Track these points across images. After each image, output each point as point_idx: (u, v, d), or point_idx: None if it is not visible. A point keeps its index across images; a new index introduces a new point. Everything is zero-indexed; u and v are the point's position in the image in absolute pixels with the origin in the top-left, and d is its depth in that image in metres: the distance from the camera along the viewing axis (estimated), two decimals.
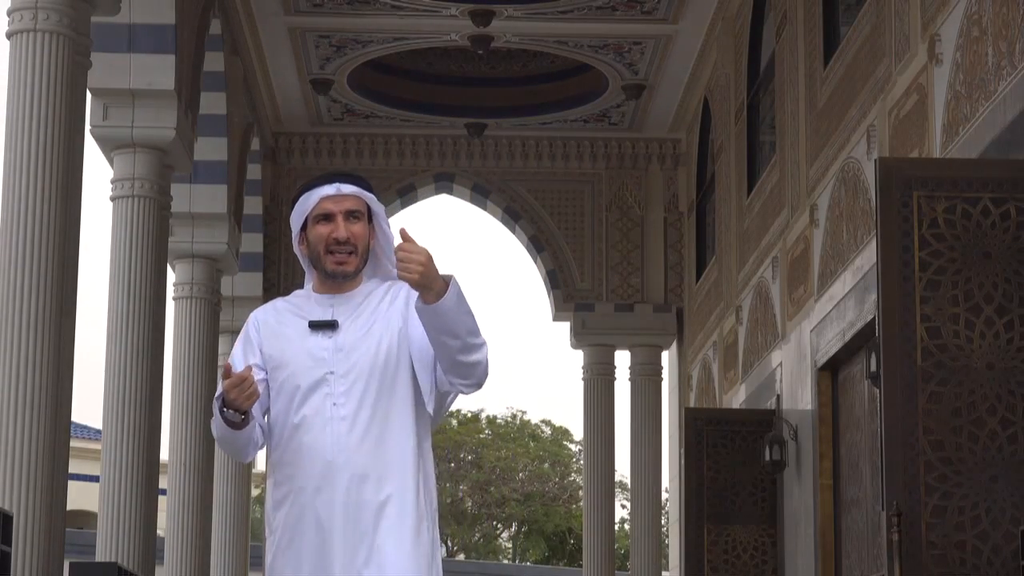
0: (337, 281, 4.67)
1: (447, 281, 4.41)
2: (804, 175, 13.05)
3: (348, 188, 4.66)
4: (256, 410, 4.59)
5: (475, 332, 4.49)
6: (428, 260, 4.38)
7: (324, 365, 4.58)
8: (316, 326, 4.63)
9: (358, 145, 19.71)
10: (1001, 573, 7.74)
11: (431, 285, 4.39)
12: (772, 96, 14.56)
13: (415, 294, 4.58)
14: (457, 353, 4.48)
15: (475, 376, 4.54)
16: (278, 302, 4.78)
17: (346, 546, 4.47)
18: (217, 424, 4.56)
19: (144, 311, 12.52)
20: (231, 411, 4.49)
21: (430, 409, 4.61)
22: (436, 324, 4.44)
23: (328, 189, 4.65)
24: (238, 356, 4.69)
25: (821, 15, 12.70)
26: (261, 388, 4.61)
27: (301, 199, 4.69)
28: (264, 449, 4.74)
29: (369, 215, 4.71)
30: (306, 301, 4.71)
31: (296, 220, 4.70)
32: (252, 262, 19.01)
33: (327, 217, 4.65)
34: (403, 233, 4.43)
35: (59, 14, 10.00)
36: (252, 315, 4.78)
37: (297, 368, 4.60)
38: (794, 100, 13.42)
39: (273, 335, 4.67)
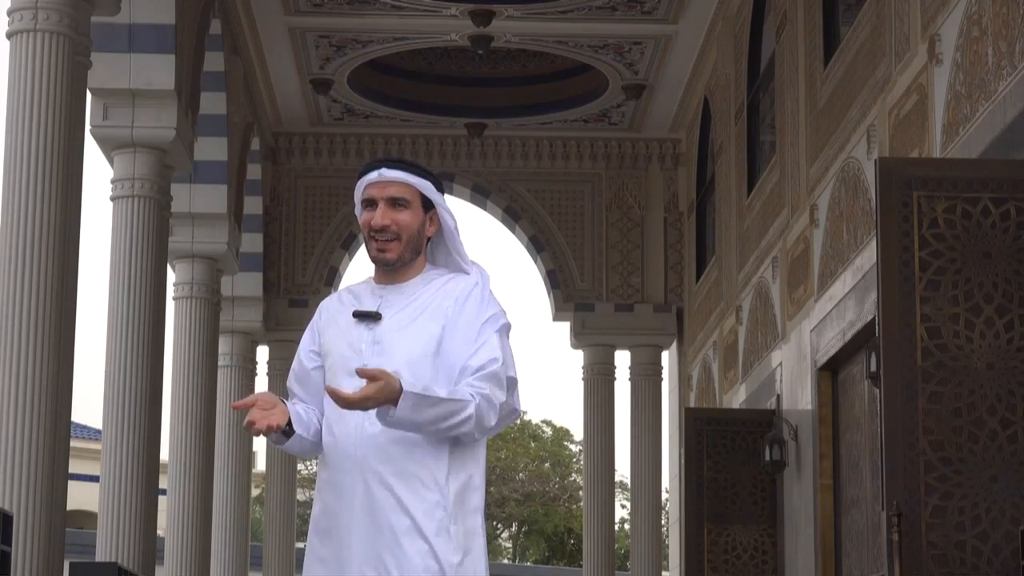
0: (386, 270, 4.58)
1: (401, 400, 4.30)
2: (804, 175, 13.05)
3: (392, 174, 4.54)
4: (312, 414, 4.57)
5: (447, 420, 4.37)
6: (360, 401, 4.28)
7: (360, 357, 4.48)
8: (359, 316, 4.54)
9: (358, 145, 19.71)
10: (1001, 573, 7.74)
11: (366, 405, 4.32)
12: (772, 96, 14.56)
13: (468, 295, 4.52)
14: (439, 433, 4.42)
15: (468, 434, 4.46)
16: (343, 291, 4.70)
17: (365, 543, 4.39)
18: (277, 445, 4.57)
19: (144, 311, 12.51)
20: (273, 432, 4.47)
21: None
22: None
23: (372, 175, 4.56)
24: (303, 345, 4.66)
25: (821, 15, 12.70)
26: (318, 376, 4.59)
27: (357, 184, 4.62)
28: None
29: (429, 203, 4.59)
30: (364, 290, 4.63)
31: (356, 204, 4.64)
32: (252, 262, 19.01)
33: (371, 203, 4.56)
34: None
35: (59, 14, 10.00)
36: (321, 303, 4.73)
37: (337, 358, 4.52)
38: (794, 100, 13.42)
39: (329, 323, 4.61)
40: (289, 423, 4.49)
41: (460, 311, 4.52)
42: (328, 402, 4.48)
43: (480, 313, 4.53)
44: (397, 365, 4.43)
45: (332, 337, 4.58)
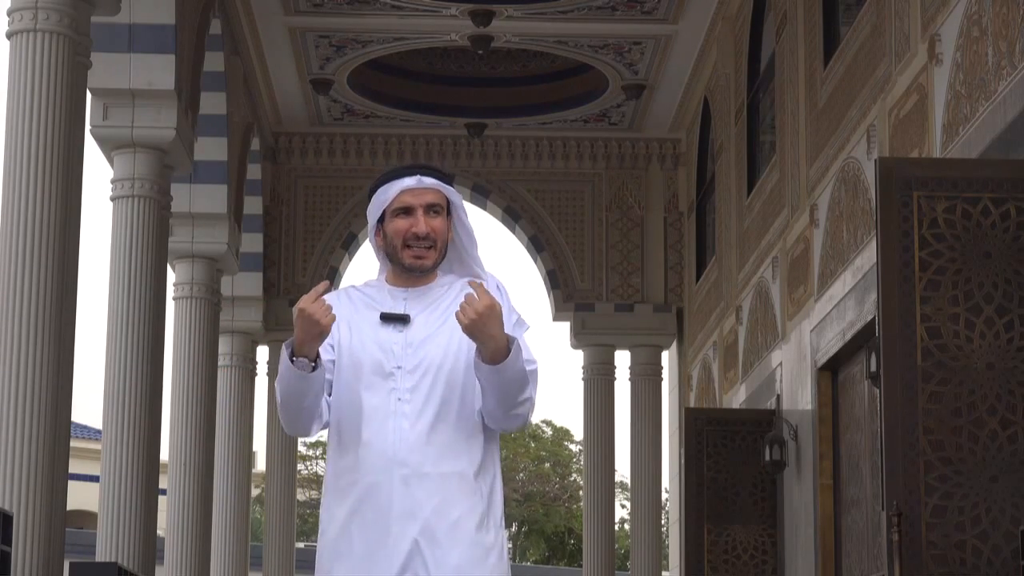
0: (413, 275, 4.57)
1: (510, 344, 4.31)
2: (804, 175, 13.05)
3: (429, 181, 4.54)
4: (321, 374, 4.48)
5: (525, 390, 4.42)
6: (486, 313, 4.27)
7: (392, 359, 4.47)
8: (387, 318, 4.51)
9: (358, 145, 19.71)
10: (1001, 573, 7.74)
11: (484, 341, 4.30)
12: (772, 96, 14.56)
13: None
14: (502, 409, 4.42)
15: (512, 428, 4.49)
16: (350, 290, 4.66)
17: (399, 544, 4.37)
18: (285, 378, 4.40)
19: (144, 311, 12.51)
20: (302, 358, 4.35)
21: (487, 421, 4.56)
22: (489, 382, 4.37)
23: (409, 181, 4.52)
24: None
25: (821, 15, 12.70)
26: (331, 368, 4.51)
27: (380, 191, 4.56)
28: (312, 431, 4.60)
29: (448, 208, 4.60)
30: (379, 292, 4.60)
31: (374, 212, 4.58)
32: (252, 262, 19.01)
33: (407, 211, 4.53)
34: (476, 287, 4.33)
35: (59, 14, 10.00)
36: (324, 298, 4.60)
37: (365, 359, 4.48)
38: (794, 100, 13.42)
39: (344, 320, 4.55)
40: (318, 356, 4.41)
41: None
42: (358, 403, 4.46)
43: (509, 318, 4.54)
44: (431, 365, 4.47)
45: (351, 337, 4.54)
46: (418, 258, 4.53)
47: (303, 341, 4.36)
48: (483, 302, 4.29)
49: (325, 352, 4.51)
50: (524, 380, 4.40)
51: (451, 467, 4.43)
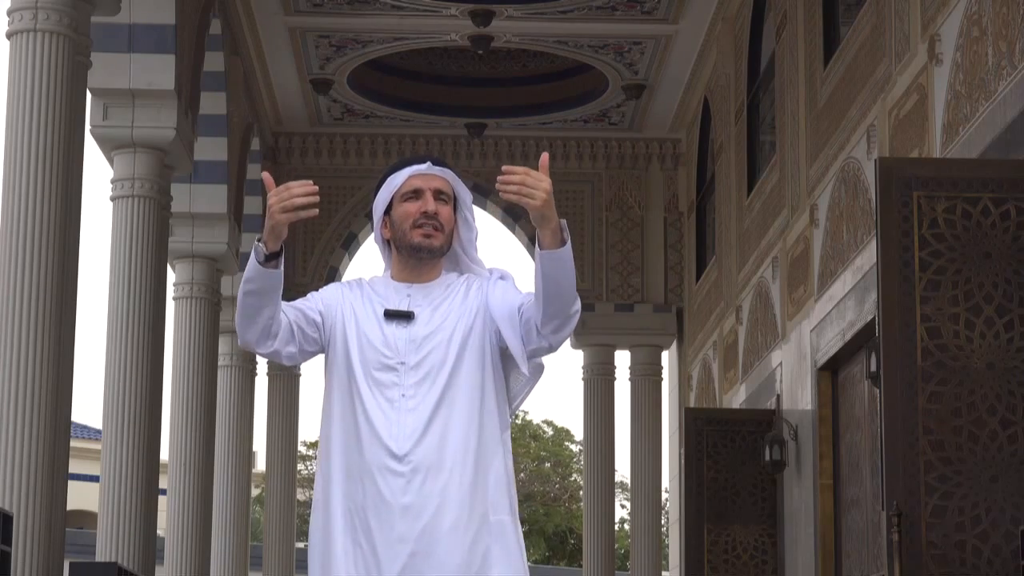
0: (421, 261, 4.59)
1: (561, 224, 4.31)
2: (804, 175, 13.05)
3: (438, 169, 4.61)
4: (298, 309, 4.54)
5: (573, 283, 4.40)
6: (551, 190, 4.28)
7: (396, 355, 4.51)
8: (391, 315, 4.56)
9: (358, 145, 19.71)
10: (1001, 573, 7.74)
11: (551, 218, 4.27)
12: (772, 96, 14.56)
13: (492, 283, 4.56)
14: (566, 302, 4.38)
15: (570, 327, 4.44)
16: (361, 282, 4.69)
17: (403, 541, 4.39)
18: (249, 271, 4.42)
19: (144, 311, 12.51)
20: (266, 243, 4.40)
21: (525, 370, 4.53)
22: (553, 269, 4.30)
23: (420, 166, 4.59)
24: (311, 299, 4.63)
25: (821, 15, 12.71)
26: (316, 315, 4.55)
27: (389, 179, 4.62)
28: (275, 353, 4.54)
29: (454, 206, 4.64)
30: (384, 288, 4.63)
31: (382, 201, 4.62)
32: None
33: (416, 194, 4.58)
34: (523, 170, 4.30)
35: (59, 14, 10.00)
36: (329, 285, 4.70)
37: (369, 354, 4.52)
38: (794, 100, 13.42)
39: (350, 309, 4.60)
40: (281, 256, 4.44)
41: (493, 284, 4.58)
42: (361, 398, 4.49)
43: (510, 283, 4.60)
44: (435, 361, 4.50)
45: (356, 329, 4.57)
46: (427, 236, 4.56)
47: (268, 228, 4.46)
48: (543, 182, 4.27)
49: (313, 312, 4.57)
50: (573, 264, 4.37)
51: (455, 462, 4.44)
